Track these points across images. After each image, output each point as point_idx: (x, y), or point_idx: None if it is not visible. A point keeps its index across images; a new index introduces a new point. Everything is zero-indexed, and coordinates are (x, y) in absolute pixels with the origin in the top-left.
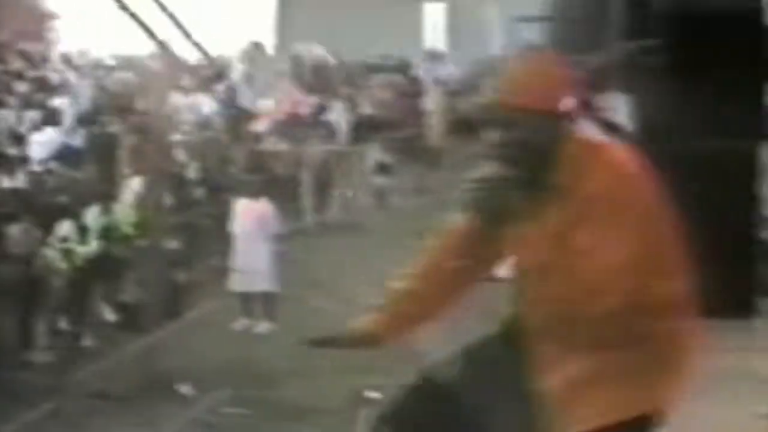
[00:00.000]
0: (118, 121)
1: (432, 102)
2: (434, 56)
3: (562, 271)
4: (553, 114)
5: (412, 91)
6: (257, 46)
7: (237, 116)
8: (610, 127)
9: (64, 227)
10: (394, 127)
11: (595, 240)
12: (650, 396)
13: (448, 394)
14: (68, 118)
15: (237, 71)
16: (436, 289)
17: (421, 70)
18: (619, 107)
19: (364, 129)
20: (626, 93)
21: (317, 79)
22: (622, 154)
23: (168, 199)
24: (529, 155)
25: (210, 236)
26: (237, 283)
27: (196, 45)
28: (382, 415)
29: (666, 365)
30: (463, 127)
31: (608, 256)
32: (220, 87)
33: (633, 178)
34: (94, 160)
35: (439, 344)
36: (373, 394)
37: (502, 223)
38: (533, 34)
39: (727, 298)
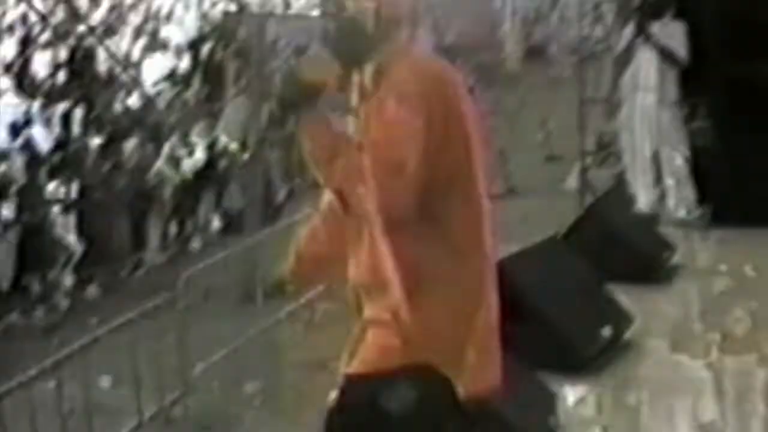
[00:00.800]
0: (221, 46)
1: (508, 29)
2: None
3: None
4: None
5: (491, 19)
6: None
7: None
8: (665, 53)
9: (174, 142)
10: (473, 54)
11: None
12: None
13: (517, 289)
14: (176, 45)
15: None
16: (335, 226)
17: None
18: (675, 33)
19: (444, 55)
20: (680, 19)
21: None
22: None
23: (268, 117)
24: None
25: None
26: None
27: None
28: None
29: (461, 313)
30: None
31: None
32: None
33: (437, 90)
34: (200, 82)
35: None
36: None
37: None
38: None
39: None
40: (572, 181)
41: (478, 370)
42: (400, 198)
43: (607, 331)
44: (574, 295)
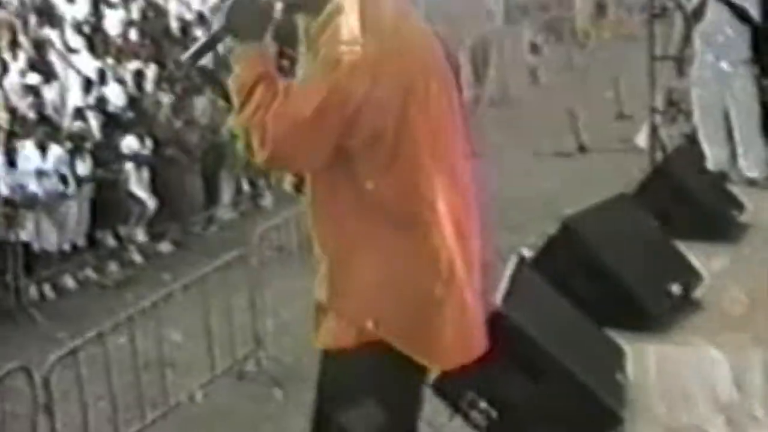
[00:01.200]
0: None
1: None
2: None
3: None
4: None
5: None
6: None
7: None
8: (738, 10)
9: None
10: (544, 10)
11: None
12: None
13: (585, 245)
14: None
15: None
16: None
17: None
18: None
19: (517, 12)
20: None
21: None
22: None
23: None
24: None
25: None
26: None
27: None
28: (531, 260)
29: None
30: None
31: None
32: None
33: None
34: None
35: None
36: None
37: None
38: None
39: None
40: (642, 139)
41: (450, 348)
42: (300, 148)
43: (676, 288)
44: (642, 253)
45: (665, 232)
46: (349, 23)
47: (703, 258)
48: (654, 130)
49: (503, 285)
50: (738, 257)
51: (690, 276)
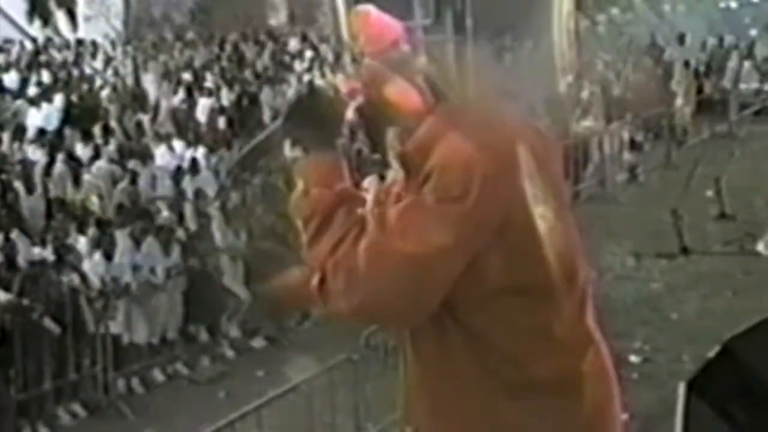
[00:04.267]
0: None
1: (678, 82)
2: (681, 39)
3: None
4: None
5: (662, 72)
6: None
7: None
8: None
9: None
10: (645, 107)
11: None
12: None
13: (751, 368)
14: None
15: None
16: None
17: (669, 52)
18: None
19: (617, 108)
20: None
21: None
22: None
23: None
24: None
25: None
26: None
27: None
28: (696, 385)
29: None
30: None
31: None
32: None
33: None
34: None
35: None
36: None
37: None
38: None
39: None
40: (762, 246)
41: None
42: (403, 299)
43: None
44: None
45: None
46: (462, 147)
47: None
48: None
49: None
50: None
51: None
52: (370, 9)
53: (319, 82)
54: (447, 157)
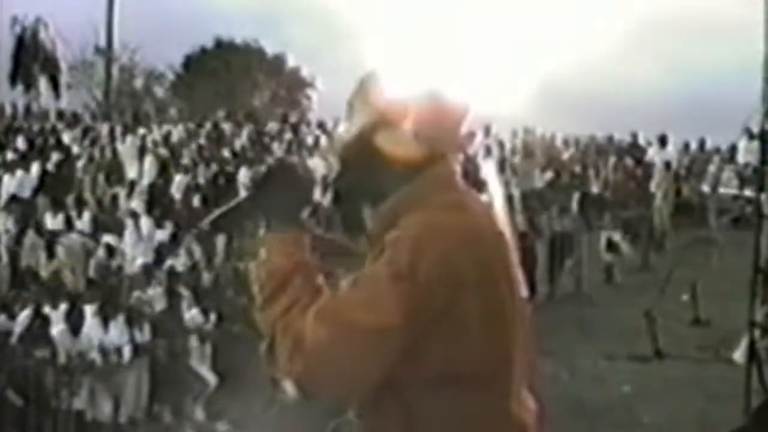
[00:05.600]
0: None
1: (658, 184)
2: (663, 140)
3: None
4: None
5: (641, 173)
6: None
7: None
8: None
9: None
10: (623, 207)
11: None
12: None
13: None
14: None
15: None
16: None
17: (650, 153)
18: None
19: (594, 207)
20: None
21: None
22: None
23: None
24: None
25: None
26: None
27: None
28: None
29: None
30: (684, 210)
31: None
32: None
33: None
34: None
35: None
36: None
37: None
38: None
39: None
40: (739, 354)
41: None
42: (349, 367)
43: None
44: None
45: None
46: (420, 224)
47: None
48: (752, 345)
49: None
50: None
51: None
52: None
53: (290, 157)
54: (405, 231)
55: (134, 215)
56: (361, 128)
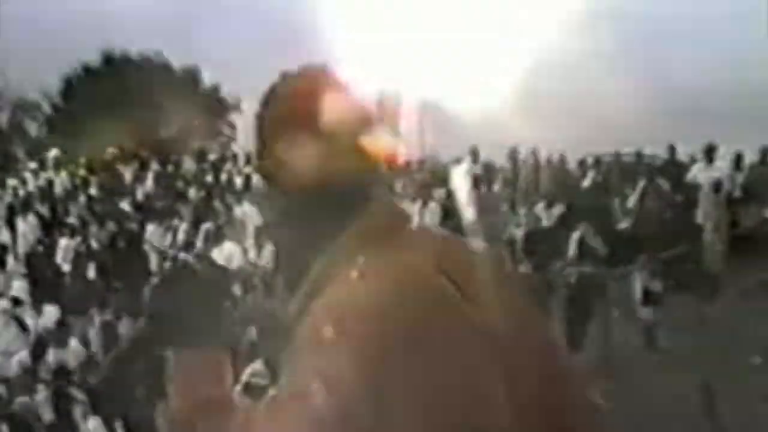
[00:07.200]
0: None
1: (707, 213)
2: (710, 152)
3: None
4: None
5: (683, 198)
6: None
7: None
8: None
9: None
10: (661, 245)
11: None
12: None
13: None
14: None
15: None
16: None
17: (693, 171)
18: None
19: (622, 246)
20: None
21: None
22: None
23: None
24: None
25: None
26: None
27: None
28: None
29: None
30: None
31: None
32: None
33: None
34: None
35: None
36: None
37: None
38: None
39: None
40: None
41: None
42: None
43: None
44: None
45: None
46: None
47: None
48: None
49: None
50: None
51: None
52: None
53: (186, 256)
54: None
55: (19, 302)
56: None
